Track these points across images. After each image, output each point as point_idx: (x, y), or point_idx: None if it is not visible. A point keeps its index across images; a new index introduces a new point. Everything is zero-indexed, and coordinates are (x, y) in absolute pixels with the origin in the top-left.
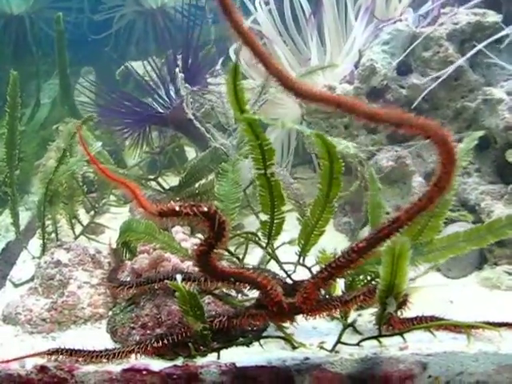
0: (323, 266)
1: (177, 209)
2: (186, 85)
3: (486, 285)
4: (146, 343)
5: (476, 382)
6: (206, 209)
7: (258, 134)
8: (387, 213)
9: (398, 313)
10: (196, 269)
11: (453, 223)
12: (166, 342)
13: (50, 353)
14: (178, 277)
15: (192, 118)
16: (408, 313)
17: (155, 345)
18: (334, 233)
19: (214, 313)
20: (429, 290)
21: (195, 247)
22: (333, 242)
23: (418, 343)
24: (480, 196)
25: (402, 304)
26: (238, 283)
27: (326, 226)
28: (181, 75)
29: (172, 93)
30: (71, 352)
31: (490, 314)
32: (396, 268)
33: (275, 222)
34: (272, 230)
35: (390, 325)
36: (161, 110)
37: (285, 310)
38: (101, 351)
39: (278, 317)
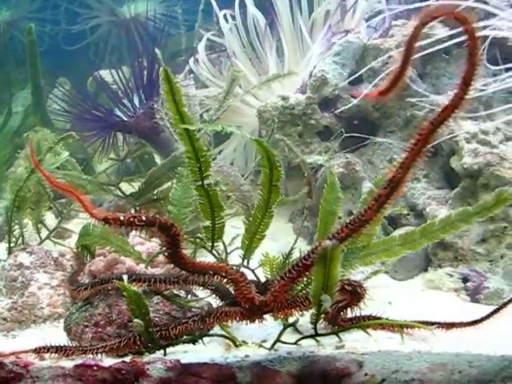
0: (291, 266)
1: (121, 218)
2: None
3: (429, 286)
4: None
5: (411, 380)
6: (144, 218)
7: (195, 144)
8: (339, 217)
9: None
10: (148, 271)
11: (400, 228)
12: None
13: (37, 350)
14: (125, 277)
15: (161, 123)
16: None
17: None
18: (294, 237)
19: (190, 314)
20: (372, 292)
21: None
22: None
23: (355, 342)
24: (427, 201)
25: (359, 299)
26: (215, 277)
27: (266, 231)
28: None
29: (136, 102)
30: (56, 349)
31: (428, 314)
32: (328, 270)
33: (216, 226)
34: (214, 234)
35: (336, 324)
36: (125, 118)
37: (256, 306)
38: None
39: (249, 314)
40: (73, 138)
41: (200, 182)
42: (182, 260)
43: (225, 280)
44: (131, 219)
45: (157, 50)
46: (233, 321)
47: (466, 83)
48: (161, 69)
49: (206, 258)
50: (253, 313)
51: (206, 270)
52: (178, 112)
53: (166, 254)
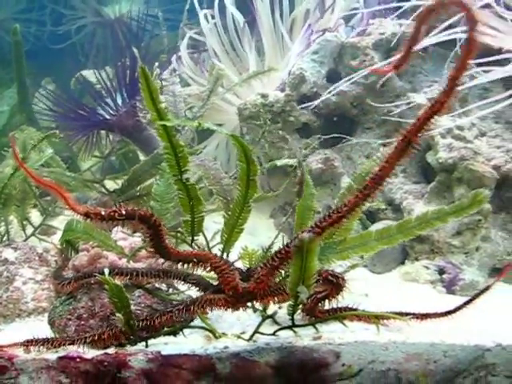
0: (274, 254)
1: (102, 212)
2: None
3: (406, 278)
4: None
5: (387, 370)
6: (124, 211)
7: (173, 140)
8: (318, 212)
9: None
10: (130, 265)
11: (378, 222)
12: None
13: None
14: (106, 270)
15: (143, 121)
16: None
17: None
18: (275, 232)
19: (173, 302)
20: (350, 284)
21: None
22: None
23: (332, 333)
24: (404, 195)
25: (339, 291)
26: (199, 264)
27: (244, 224)
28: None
29: (119, 100)
30: (43, 341)
31: (404, 306)
32: (305, 262)
33: (196, 220)
34: (194, 227)
35: (314, 315)
36: (107, 117)
37: (240, 294)
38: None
39: (233, 302)
40: (56, 136)
41: (179, 177)
42: (165, 250)
43: (209, 267)
44: (111, 213)
45: (135, 50)
46: (217, 308)
47: (459, 71)
48: (146, 68)
49: None
50: (236, 300)
51: (190, 258)
52: (155, 109)
53: (149, 244)
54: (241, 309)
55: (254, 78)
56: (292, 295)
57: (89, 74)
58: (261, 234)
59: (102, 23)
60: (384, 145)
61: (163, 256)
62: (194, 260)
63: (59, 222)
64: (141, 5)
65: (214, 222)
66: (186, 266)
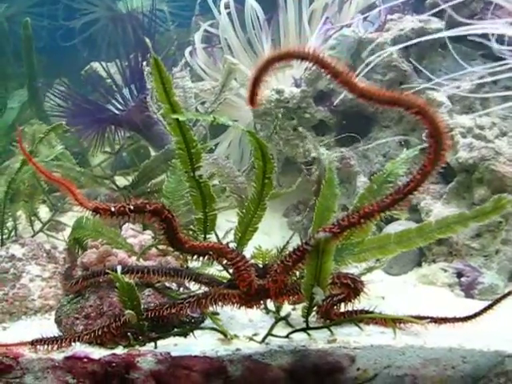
0: (292, 251)
1: (111, 207)
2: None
3: (423, 281)
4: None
5: (404, 375)
6: (133, 205)
7: (186, 134)
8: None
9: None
10: (140, 263)
11: (394, 222)
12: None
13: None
14: (119, 268)
15: (154, 116)
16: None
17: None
18: (288, 231)
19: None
20: (366, 286)
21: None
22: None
23: (347, 336)
24: (421, 195)
25: (356, 295)
26: (216, 257)
27: (259, 223)
28: (148, 69)
29: (128, 96)
30: (52, 340)
31: (421, 310)
32: (320, 263)
33: (208, 218)
34: (206, 225)
35: (329, 318)
36: (116, 112)
37: (255, 290)
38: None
39: (247, 298)
40: (62, 128)
41: (191, 174)
42: (179, 241)
43: (224, 261)
44: (121, 208)
45: (147, 40)
46: (230, 304)
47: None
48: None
49: None
50: (250, 297)
51: (206, 251)
52: (168, 101)
53: (162, 237)
54: (254, 307)
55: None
56: (307, 296)
57: (99, 67)
58: (274, 233)
59: (114, 18)
60: (401, 143)
61: (177, 248)
62: (210, 253)
63: (68, 219)
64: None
65: (226, 221)
66: (200, 258)
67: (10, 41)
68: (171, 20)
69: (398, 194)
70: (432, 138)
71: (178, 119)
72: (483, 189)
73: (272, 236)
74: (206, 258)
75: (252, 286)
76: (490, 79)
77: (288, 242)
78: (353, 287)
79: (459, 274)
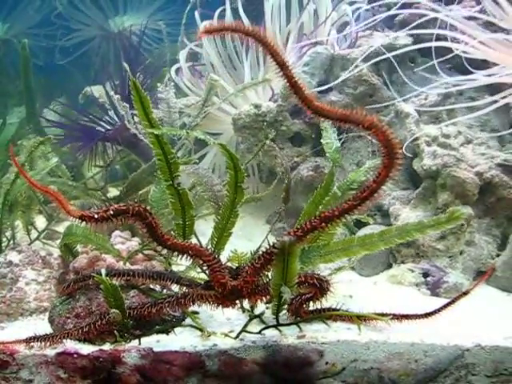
0: (261, 254)
1: (94, 215)
2: (125, 104)
3: (392, 281)
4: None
5: (370, 369)
6: (112, 209)
7: (164, 147)
8: None
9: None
10: (126, 267)
11: (366, 226)
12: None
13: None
14: (103, 271)
15: (136, 133)
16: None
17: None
18: (271, 237)
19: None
20: (337, 286)
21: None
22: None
23: (316, 333)
24: (392, 201)
25: (323, 294)
26: (193, 257)
27: (232, 229)
28: (117, 96)
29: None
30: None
31: (388, 308)
32: (287, 264)
33: (187, 224)
34: (185, 230)
35: (299, 315)
36: (108, 128)
37: (228, 291)
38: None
39: (222, 299)
40: (49, 140)
41: (170, 182)
42: (161, 239)
43: (201, 262)
44: (102, 213)
45: (124, 64)
46: (206, 304)
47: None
48: (137, 81)
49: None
50: (225, 297)
51: (186, 250)
52: (146, 118)
53: (147, 235)
54: (230, 307)
55: (249, 89)
56: (275, 295)
57: (95, 89)
58: (257, 239)
59: (106, 36)
60: (373, 152)
61: (162, 245)
62: (189, 253)
63: (64, 227)
64: (144, 18)
65: (212, 228)
66: (180, 256)
67: (11, 59)
68: (166, 35)
69: (356, 200)
70: (385, 149)
71: (157, 134)
72: (446, 194)
73: (255, 242)
74: (185, 257)
75: (226, 286)
76: (455, 89)
77: (260, 246)
78: (319, 287)
79: (425, 274)
